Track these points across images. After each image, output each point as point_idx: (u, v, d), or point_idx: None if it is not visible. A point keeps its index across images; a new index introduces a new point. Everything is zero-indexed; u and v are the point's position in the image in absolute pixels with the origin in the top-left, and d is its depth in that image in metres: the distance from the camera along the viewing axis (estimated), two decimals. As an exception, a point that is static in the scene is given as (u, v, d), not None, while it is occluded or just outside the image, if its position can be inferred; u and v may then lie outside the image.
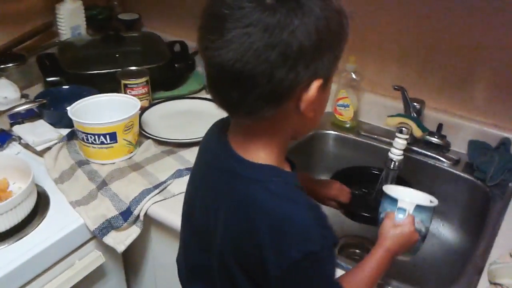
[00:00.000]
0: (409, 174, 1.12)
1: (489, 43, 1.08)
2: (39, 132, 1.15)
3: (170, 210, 0.98)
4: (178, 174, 1.06)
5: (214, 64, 0.55)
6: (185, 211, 0.77)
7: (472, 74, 1.14)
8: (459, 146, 1.17)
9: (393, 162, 0.97)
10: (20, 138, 1.16)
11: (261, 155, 0.62)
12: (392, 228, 0.77)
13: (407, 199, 0.79)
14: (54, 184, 1.05)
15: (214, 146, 0.68)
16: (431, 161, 1.15)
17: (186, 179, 1.03)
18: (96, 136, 1.04)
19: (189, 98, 1.38)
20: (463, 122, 1.16)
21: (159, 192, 1.01)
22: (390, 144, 1.00)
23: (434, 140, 1.16)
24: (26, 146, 1.16)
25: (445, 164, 1.14)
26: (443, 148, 1.17)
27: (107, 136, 1.05)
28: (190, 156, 1.13)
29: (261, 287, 0.60)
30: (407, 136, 0.93)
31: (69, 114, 1.07)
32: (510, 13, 1.04)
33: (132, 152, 1.12)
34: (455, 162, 1.13)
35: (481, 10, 1.06)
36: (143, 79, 1.26)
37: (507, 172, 1.05)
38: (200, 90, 1.45)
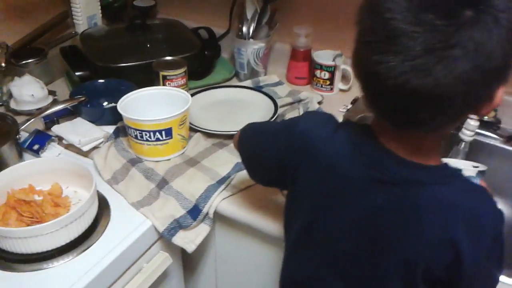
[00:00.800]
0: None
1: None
2: (83, 131, 1.09)
3: (240, 206, 0.94)
4: (238, 167, 1.02)
5: (396, 85, 0.51)
6: (302, 223, 0.70)
7: None
8: (509, 123, 1.18)
9: (463, 143, 0.96)
10: (60, 139, 1.09)
11: (432, 157, 0.61)
12: None
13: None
14: (107, 185, 1.00)
15: (366, 157, 0.62)
16: (484, 139, 1.15)
17: (246, 172, 1.02)
18: (152, 133, 0.99)
19: (224, 87, 1.33)
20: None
21: (225, 187, 0.97)
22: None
23: (485, 117, 1.16)
24: (67, 146, 1.09)
25: (498, 141, 1.14)
26: (494, 125, 1.17)
27: (163, 132, 1.00)
28: (244, 147, 1.09)
29: None
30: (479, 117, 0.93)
31: (120, 111, 1.01)
32: None
33: (184, 147, 1.07)
34: (508, 139, 1.14)
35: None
36: (182, 70, 1.20)
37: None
38: (231, 78, 1.41)
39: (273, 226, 0.90)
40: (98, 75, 1.22)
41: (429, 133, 0.58)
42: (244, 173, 1.01)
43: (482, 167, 0.85)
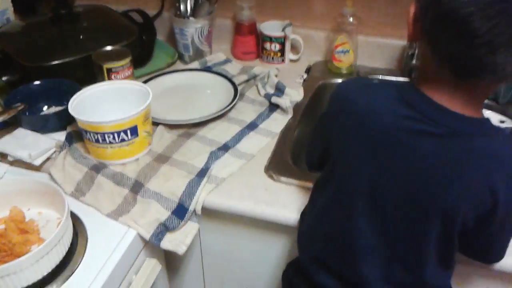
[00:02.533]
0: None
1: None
2: (28, 143, 0.95)
3: (228, 196, 0.89)
4: (214, 156, 0.96)
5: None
6: (362, 189, 0.67)
7: None
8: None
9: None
10: (3, 155, 0.95)
11: (478, 111, 0.63)
12: None
13: None
14: (72, 198, 0.90)
15: (412, 110, 0.62)
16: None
17: (224, 159, 0.97)
18: (116, 134, 0.89)
19: (171, 72, 1.24)
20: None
21: (207, 180, 0.91)
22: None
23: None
24: (13, 163, 0.95)
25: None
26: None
27: (128, 132, 0.90)
28: (213, 134, 1.03)
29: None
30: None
31: (73, 114, 0.89)
32: None
33: (150, 144, 0.98)
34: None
35: None
36: (127, 59, 1.09)
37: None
38: (175, 61, 1.32)
39: (269, 211, 0.86)
40: (29, 78, 1.07)
41: (493, 83, 0.60)
42: (222, 161, 0.96)
43: (509, 123, 0.87)
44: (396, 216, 0.65)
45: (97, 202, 0.89)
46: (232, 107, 1.10)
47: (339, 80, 1.24)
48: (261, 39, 1.28)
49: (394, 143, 0.62)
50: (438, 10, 0.57)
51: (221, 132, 1.05)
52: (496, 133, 0.64)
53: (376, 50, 1.27)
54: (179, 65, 1.31)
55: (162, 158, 0.97)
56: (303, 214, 0.82)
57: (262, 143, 1.02)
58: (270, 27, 1.27)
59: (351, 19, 1.18)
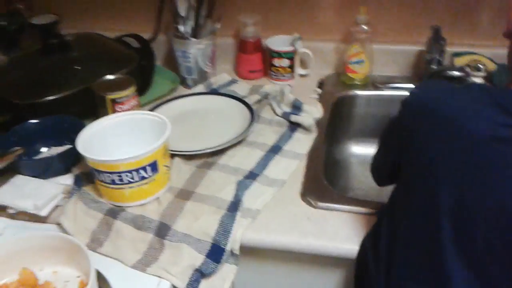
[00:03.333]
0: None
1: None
2: (31, 191, 0.84)
3: (268, 230, 0.79)
4: (242, 186, 0.87)
5: None
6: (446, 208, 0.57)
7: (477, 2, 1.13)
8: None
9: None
10: (2, 208, 0.83)
11: None
12: None
13: None
14: (89, 250, 0.78)
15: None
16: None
17: (254, 189, 0.87)
18: (135, 172, 0.79)
19: (178, 98, 1.14)
20: (473, 49, 1.16)
21: (241, 214, 0.81)
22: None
23: (456, 73, 1.14)
24: (15, 216, 0.83)
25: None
26: (464, 80, 1.15)
27: (148, 168, 0.80)
28: (235, 162, 0.94)
29: None
30: (484, 74, 0.88)
31: (84, 154, 0.78)
32: None
33: (169, 180, 0.88)
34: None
35: None
36: (132, 88, 0.99)
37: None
38: (176, 87, 1.22)
39: (318, 243, 0.77)
40: (23, 117, 0.96)
41: None
42: (252, 191, 0.86)
43: None
44: (486, 248, 0.55)
45: (118, 252, 0.78)
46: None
47: (358, 92, 1.17)
48: (269, 56, 1.20)
49: (491, 154, 0.53)
50: None
51: (244, 158, 0.95)
52: None
53: (390, 58, 1.21)
54: (181, 90, 1.22)
55: (185, 194, 0.86)
56: (369, 244, 0.73)
57: (291, 167, 0.93)
58: (278, 42, 1.19)
59: (365, 27, 1.12)
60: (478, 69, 0.87)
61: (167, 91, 1.19)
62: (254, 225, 0.80)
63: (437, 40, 1.06)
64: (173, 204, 0.84)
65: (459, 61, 0.93)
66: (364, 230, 0.78)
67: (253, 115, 1.03)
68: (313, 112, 1.07)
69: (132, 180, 0.79)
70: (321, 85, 1.22)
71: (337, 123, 1.14)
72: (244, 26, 1.19)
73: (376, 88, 1.18)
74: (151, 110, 1.07)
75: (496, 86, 1.10)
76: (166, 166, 0.84)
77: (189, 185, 0.89)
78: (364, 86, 1.19)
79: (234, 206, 0.82)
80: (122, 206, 0.83)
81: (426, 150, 0.59)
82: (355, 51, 1.14)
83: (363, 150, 1.22)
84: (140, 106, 1.03)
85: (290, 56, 1.18)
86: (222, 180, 0.89)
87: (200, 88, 1.19)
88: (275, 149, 0.98)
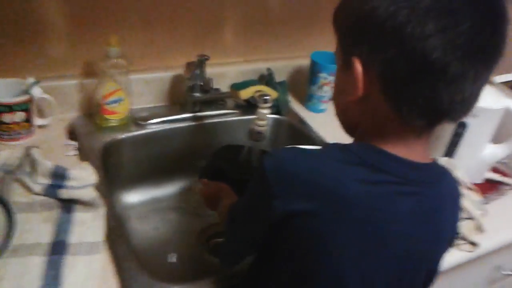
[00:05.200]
0: (224, 137, 1.08)
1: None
2: None
3: None
4: None
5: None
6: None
7: (221, 22, 1.10)
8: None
9: (261, 134, 0.89)
10: None
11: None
12: None
13: None
14: None
15: (386, 171, 0.52)
16: (225, 118, 1.11)
17: None
18: None
19: None
20: (224, 68, 1.14)
21: None
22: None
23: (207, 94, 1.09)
24: None
25: (234, 115, 1.12)
26: (220, 101, 1.13)
27: None
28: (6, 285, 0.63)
29: None
30: (271, 104, 0.86)
31: None
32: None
33: None
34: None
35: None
36: None
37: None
38: None
39: None
40: None
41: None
42: None
43: None
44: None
45: None
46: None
47: (122, 136, 0.98)
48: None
49: (372, 213, 0.51)
50: (401, 50, 0.47)
51: (18, 278, 0.65)
52: (446, 173, 0.60)
53: (145, 88, 1.06)
54: None
55: None
56: None
57: (94, 267, 0.69)
58: (4, 92, 0.86)
59: (119, 61, 0.93)
60: (265, 101, 0.85)
61: None
62: None
63: (199, 65, 0.98)
64: None
65: (245, 94, 0.89)
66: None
67: (8, 207, 0.72)
68: (84, 177, 0.83)
69: None
70: (72, 134, 0.96)
71: (109, 177, 0.93)
72: None
73: (139, 126, 1.02)
74: None
75: (283, 112, 1.13)
76: None
77: None
78: (125, 126, 1.01)
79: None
80: None
81: (305, 224, 0.52)
82: (111, 89, 0.94)
83: (138, 198, 1.06)
84: None
85: (26, 107, 0.88)
86: None
87: None
88: (58, 248, 0.71)
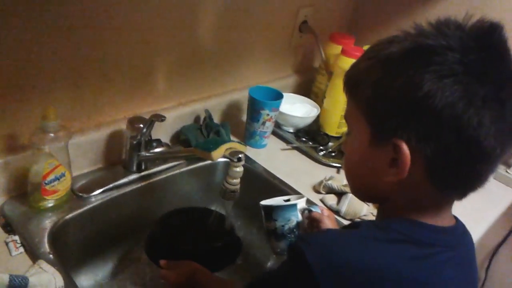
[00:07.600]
0: (177, 191, 1.02)
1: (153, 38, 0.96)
2: None
3: None
4: None
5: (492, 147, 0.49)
6: None
7: (151, 71, 1.00)
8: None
9: (234, 193, 0.83)
10: None
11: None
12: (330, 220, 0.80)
13: (294, 200, 0.81)
14: None
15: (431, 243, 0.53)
16: (173, 172, 1.02)
17: None
18: None
19: None
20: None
21: None
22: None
23: (158, 150, 1.00)
24: None
25: (181, 166, 1.04)
26: (168, 154, 1.04)
27: None
28: None
29: None
30: (243, 162, 0.81)
31: None
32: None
33: None
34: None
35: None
36: None
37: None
38: None
39: None
40: None
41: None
42: None
43: (295, 198, 0.83)
44: None
45: None
46: None
47: (67, 216, 0.84)
48: None
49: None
50: (457, 139, 0.48)
51: None
52: (461, 221, 0.62)
53: (77, 152, 0.92)
54: None
55: None
56: None
57: None
58: None
59: (58, 134, 0.79)
60: (239, 159, 0.79)
61: None
62: None
63: (150, 124, 0.89)
64: None
65: (217, 154, 0.80)
66: None
67: None
68: (45, 282, 0.69)
69: None
70: (8, 226, 0.79)
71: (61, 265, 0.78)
72: None
73: (82, 200, 0.88)
74: None
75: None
76: None
77: None
78: (66, 203, 0.86)
79: None
80: None
81: None
82: (51, 167, 0.80)
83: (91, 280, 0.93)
84: None
85: None
86: None
87: None
88: None
